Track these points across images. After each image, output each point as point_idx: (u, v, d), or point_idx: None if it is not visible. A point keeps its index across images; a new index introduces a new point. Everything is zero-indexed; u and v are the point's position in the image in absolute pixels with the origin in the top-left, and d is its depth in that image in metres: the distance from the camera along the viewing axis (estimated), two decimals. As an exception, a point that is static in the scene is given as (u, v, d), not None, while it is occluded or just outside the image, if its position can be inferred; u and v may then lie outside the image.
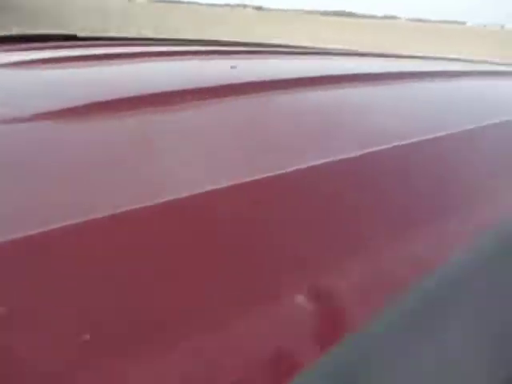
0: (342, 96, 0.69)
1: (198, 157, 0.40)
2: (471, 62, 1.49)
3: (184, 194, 0.31)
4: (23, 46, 0.94)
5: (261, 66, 0.96)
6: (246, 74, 0.78)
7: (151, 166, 0.37)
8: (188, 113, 0.52)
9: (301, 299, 0.23)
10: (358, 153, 0.40)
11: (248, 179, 0.33)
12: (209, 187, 0.33)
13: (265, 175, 0.34)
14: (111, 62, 0.85)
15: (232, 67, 0.83)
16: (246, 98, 0.60)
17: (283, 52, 1.26)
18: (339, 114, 0.60)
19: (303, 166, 0.36)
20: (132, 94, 0.55)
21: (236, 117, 0.52)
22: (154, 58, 0.93)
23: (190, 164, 0.38)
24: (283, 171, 0.35)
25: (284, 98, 0.63)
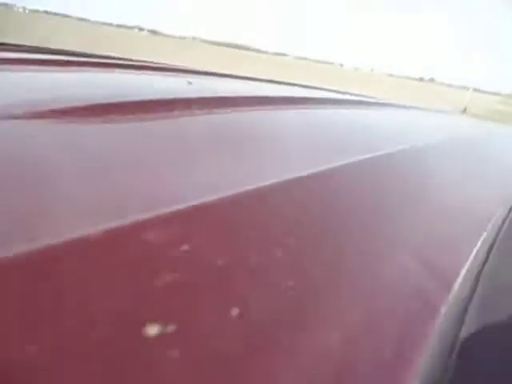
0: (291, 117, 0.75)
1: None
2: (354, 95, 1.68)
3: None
4: None
5: (212, 84, 1.05)
6: (203, 90, 0.84)
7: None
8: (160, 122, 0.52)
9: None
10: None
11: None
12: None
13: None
14: (52, 68, 0.87)
15: (189, 83, 0.89)
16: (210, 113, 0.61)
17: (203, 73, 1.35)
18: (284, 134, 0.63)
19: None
20: (99, 101, 0.54)
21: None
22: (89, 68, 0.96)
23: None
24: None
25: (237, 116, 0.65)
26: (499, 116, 21.94)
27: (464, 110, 20.08)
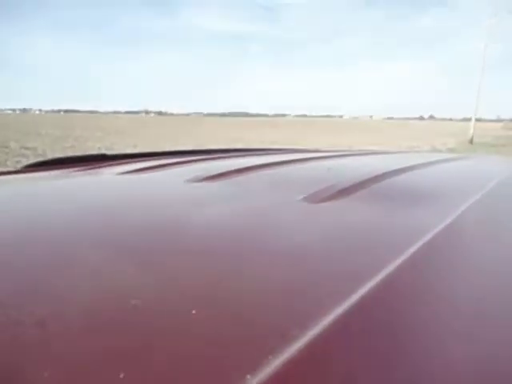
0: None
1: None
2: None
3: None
4: (115, 162, 1.19)
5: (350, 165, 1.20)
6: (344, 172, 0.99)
7: None
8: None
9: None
10: None
11: None
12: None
13: None
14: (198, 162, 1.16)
15: (329, 169, 1.04)
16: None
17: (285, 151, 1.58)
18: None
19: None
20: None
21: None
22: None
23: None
24: None
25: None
26: (504, 140, 22.26)
27: (471, 140, 20.59)
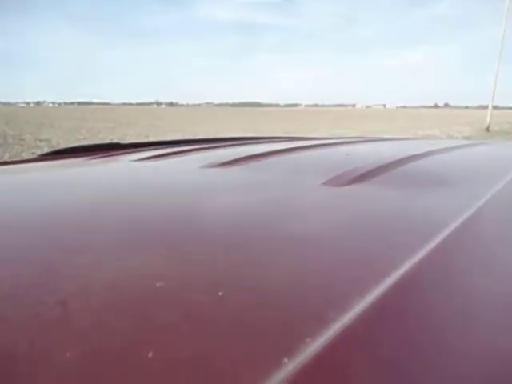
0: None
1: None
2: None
3: None
4: (128, 150, 1.18)
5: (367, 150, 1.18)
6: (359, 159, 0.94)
7: None
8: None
9: None
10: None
11: None
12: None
13: None
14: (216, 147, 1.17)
15: (347, 154, 1.00)
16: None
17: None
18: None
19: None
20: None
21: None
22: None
23: None
24: None
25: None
26: (524, 128, 21.71)
27: (488, 128, 20.12)
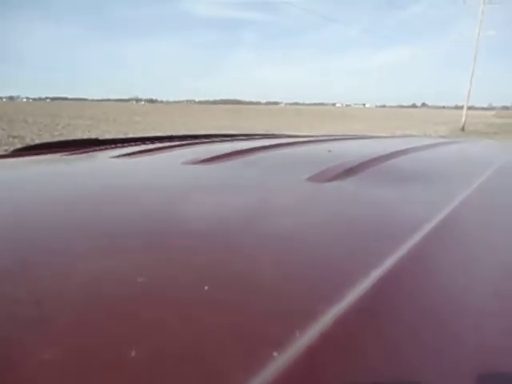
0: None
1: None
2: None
3: None
4: (109, 146, 1.16)
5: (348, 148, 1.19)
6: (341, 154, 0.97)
7: None
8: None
9: None
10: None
11: None
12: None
13: None
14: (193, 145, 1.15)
15: (329, 151, 1.02)
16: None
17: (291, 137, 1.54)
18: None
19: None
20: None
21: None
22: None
23: None
24: None
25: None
26: (496, 128, 22.45)
27: (463, 128, 20.68)
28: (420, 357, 0.25)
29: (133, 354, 0.24)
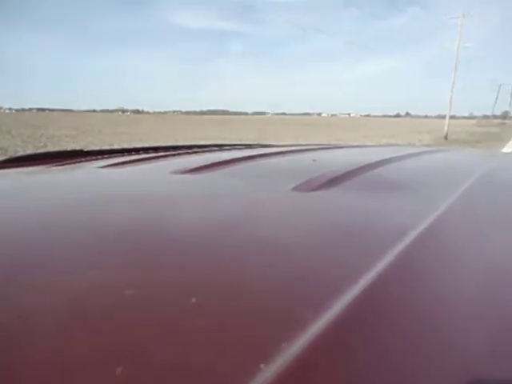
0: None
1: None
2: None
3: None
4: (94, 157, 1.15)
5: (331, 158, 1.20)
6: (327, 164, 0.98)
7: None
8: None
9: None
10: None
11: None
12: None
13: None
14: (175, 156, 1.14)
15: (314, 161, 1.02)
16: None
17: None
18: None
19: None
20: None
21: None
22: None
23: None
24: None
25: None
26: (478, 137, 23.01)
27: (446, 136, 21.11)
28: (409, 363, 0.26)
29: (120, 367, 0.23)
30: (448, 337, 0.29)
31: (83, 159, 1.12)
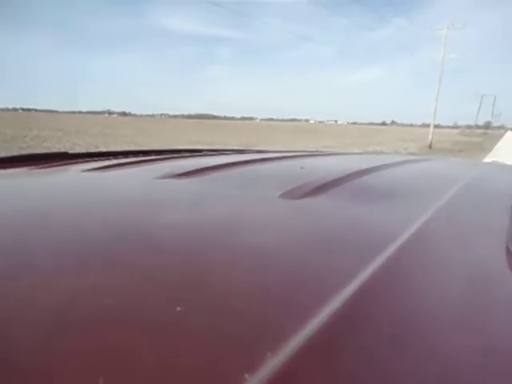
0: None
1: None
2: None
3: None
4: (78, 160, 1.13)
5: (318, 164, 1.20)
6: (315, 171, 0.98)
7: None
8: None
9: None
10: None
11: None
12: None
13: None
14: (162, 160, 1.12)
15: (301, 168, 1.02)
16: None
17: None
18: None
19: None
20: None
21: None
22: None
23: None
24: None
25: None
26: (461, 146, 23.49)
27: (430, 145, 21.49)
28: (396, 369, 0.26)
29: (100, 374, 0.23)
30: (433, 341, 0.29)
31: (68, 162, 1.10)
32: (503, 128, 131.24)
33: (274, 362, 0.24)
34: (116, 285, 0.34)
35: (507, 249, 0.49)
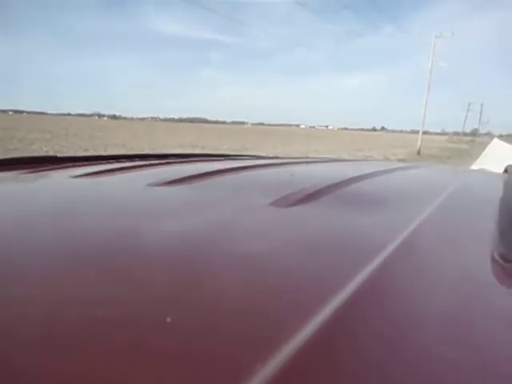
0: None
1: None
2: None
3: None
4: (66, 164, 1.11)
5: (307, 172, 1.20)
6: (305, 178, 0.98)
7: None
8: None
9: None
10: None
11: None
12: None
13: None
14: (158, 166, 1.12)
15: (291, 175, 1.02)
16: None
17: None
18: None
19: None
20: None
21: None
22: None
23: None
24: None
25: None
26: (449, 152, 23.85)
27: (419, 151, 21.78)
28: (397, 369, 0.26)
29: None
30: (425, 344, 0.29)
31: (56, 166, 1.08)
32: (489, 135, 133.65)
33: (272, 365, 0.24)
34: (101, 296, 0.33)
35: (492, 256, 0.50)
